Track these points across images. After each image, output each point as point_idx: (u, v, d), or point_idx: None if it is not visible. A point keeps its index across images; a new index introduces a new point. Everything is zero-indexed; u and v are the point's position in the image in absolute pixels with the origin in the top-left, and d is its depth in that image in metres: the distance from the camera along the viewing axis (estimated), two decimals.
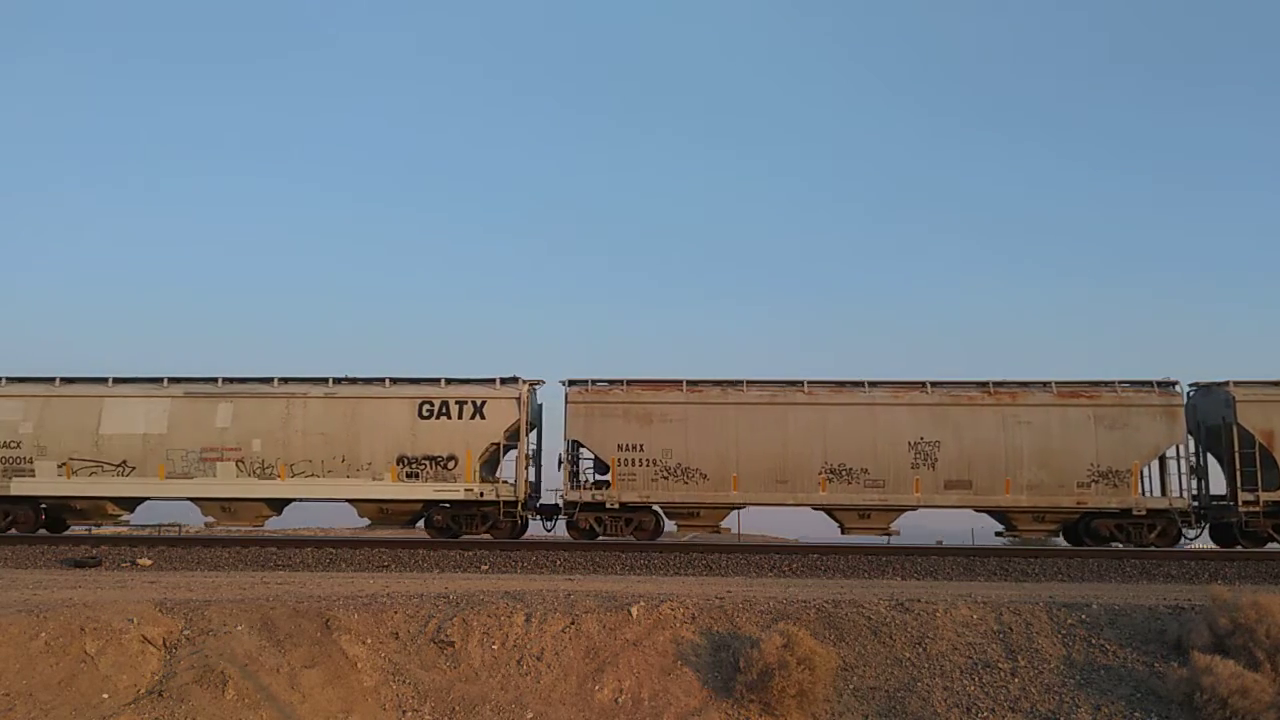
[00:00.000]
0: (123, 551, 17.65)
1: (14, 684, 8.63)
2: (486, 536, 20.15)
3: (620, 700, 9.31)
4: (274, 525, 22.07)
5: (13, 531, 20.40)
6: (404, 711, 9.09)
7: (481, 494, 20.05)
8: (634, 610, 10.21)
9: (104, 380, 20.86)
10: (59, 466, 20.34)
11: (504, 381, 20.52)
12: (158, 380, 20.83)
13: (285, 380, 20.74)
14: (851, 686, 9.48)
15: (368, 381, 20.73)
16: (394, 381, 20.62)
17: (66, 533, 21.36)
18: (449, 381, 20.55)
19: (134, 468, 20.34)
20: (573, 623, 10.02)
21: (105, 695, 8.66)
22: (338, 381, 20.70)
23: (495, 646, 9.74)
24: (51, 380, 20.88)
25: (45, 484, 20.40)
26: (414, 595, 10.87)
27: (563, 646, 9.76)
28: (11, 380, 20.98)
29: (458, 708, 9.11)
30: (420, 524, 21.21)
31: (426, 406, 20.34)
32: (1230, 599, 9.87)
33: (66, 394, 20.74)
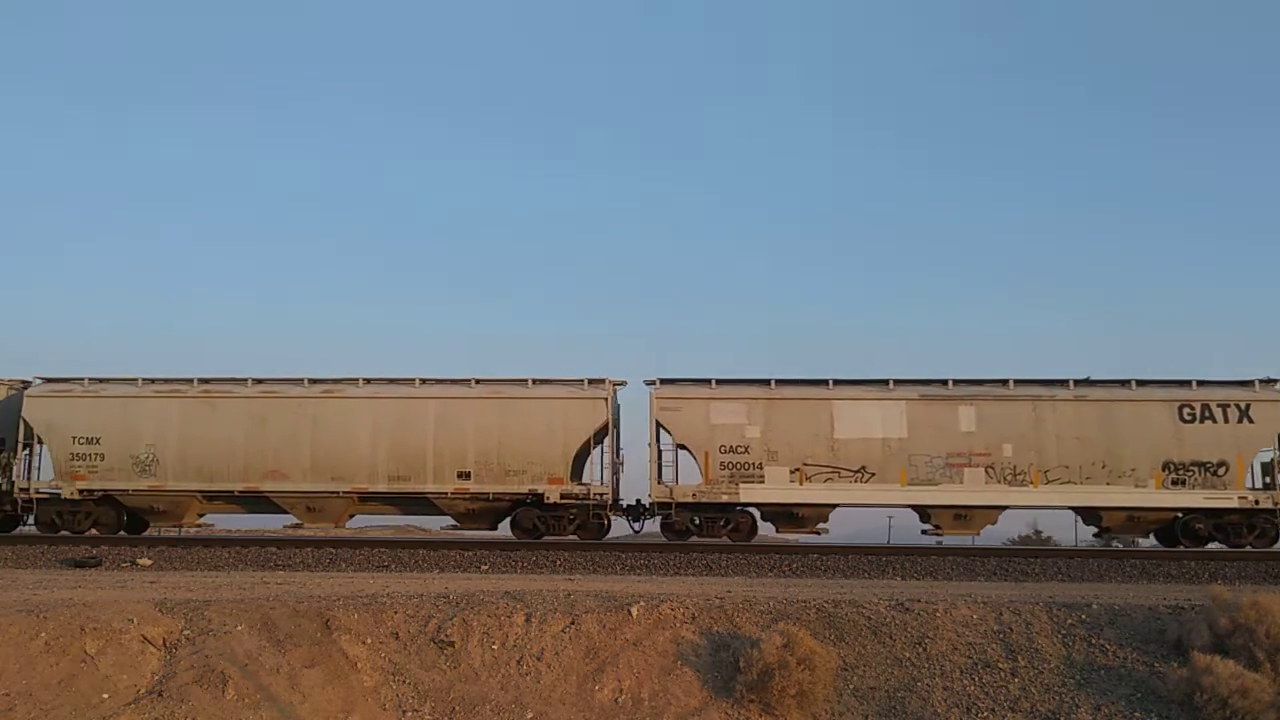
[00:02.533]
0: (123, 551, 17.65)
1: (14, 684, 8.64)
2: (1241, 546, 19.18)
3: (620, 700, 9.31)
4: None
5: (726, 539, 19.55)
6: (404, 711, 9.09)
7: (1256, 502, 19.14)
8: (634, 610, 10.22)
9: (824, 382, 20.11)
10: (791, 472, 19.49)
11: (1264, 384, 19.78)
12: (882, 382, 20.10)
13: (1021, 382, 20.01)
14: (851, 686, 9.48)
15: (1109, 384, 20.11)
16: (1141, 384, 19.95)
17: (66, 533, 21.29)
18: (1201, 384, 19.82)
19: (873, 474, 19.44)
20: (573, 623, 10.02)
21: (105, 695, 8.66)
22: (1079, 384, 19.98)
23: (495, 646, 9.74)
24: (766, 382, 20.09)
25: (775, 490, 19.50)
26: (414, 595, 10.87)
27: (563, 646, 9.76)
28: (723, 382, 20.15)
29: (458, 708, 9.11)
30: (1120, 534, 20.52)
31: (1188, 410, 19.46)
32: (1230, 599, 9.88)
33: (792, 396, 19.88)
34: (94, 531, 20.32)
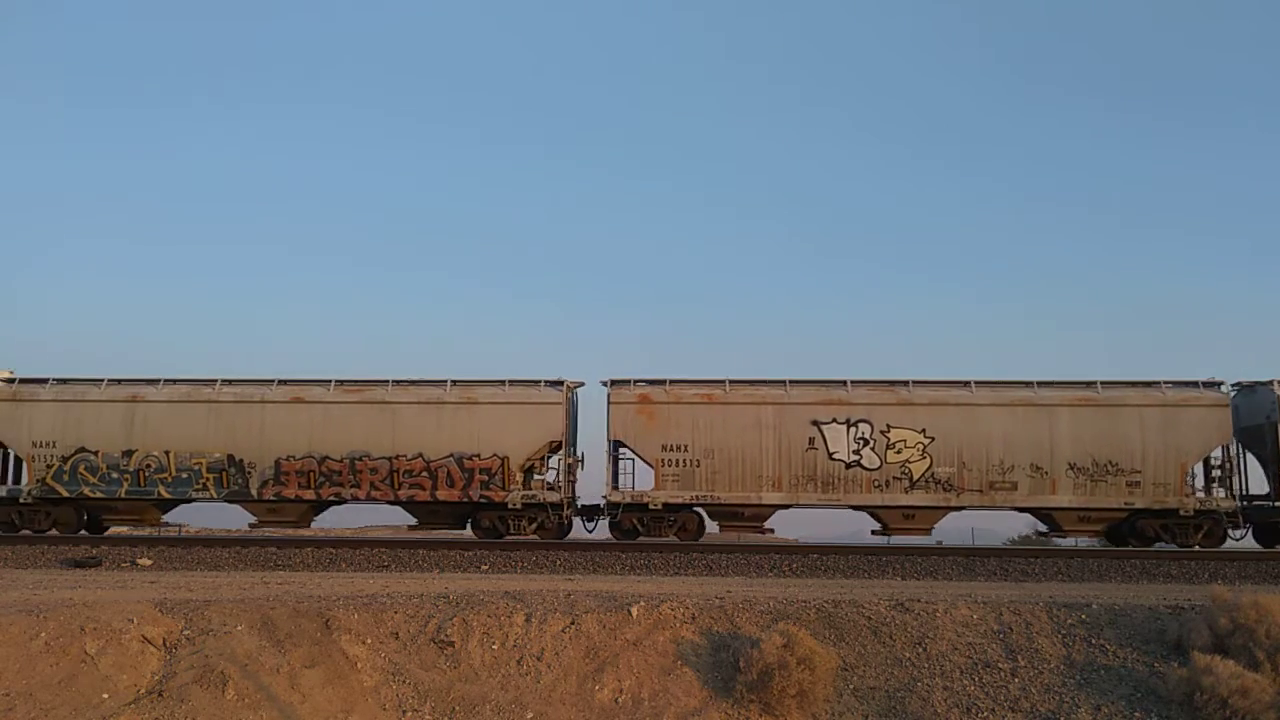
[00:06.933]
0: (123, 551, 17.64)
1: (14, 684, 8.64)
2: None
3: (620, 700, 9.31)
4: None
5: None
6: (404, 711, 9.09)
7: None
8: (634, 610, 10.22)
9: None
10: None
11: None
12: None
13: None
14: (851, 686, 9.48)
15: None
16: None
17: (48, 533, 21.25)
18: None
19: None
20: (573, 623, 10.02)
21: (105, 695, 8.66)
22: None
23: (495, 646, 9.74)
24: None
25: None
26: (414, 595, 10.87)
27: (563, 646, 9.76)
28: None
29: (458, 708, 9.11)
30: None
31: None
32: (1230, 599, 9.87)
33: None
34: None
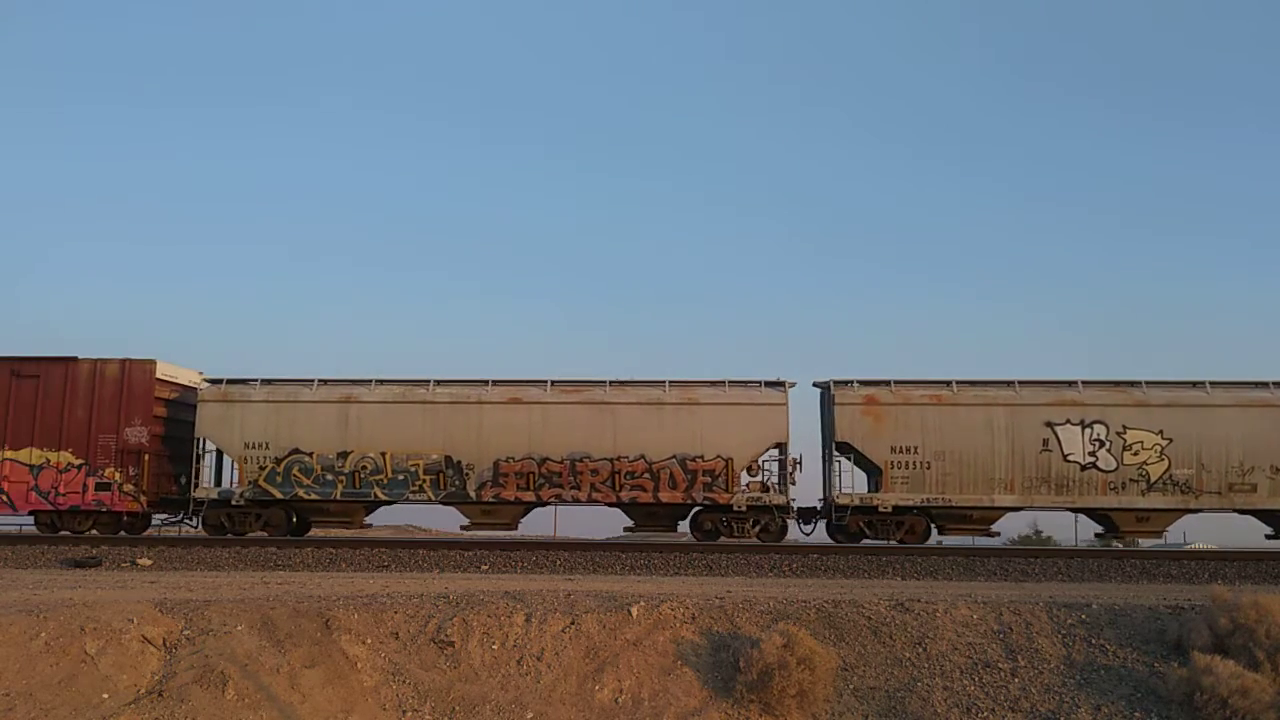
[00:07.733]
0: (123, 551, 17.65)
1: (14, 684, 8.64)
2: None
3: (620, 700, 9.31)
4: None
5: None
6: (404, 711, 9.09)
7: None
8: (634, 610, 10.22)
9: None
10: None
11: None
12: None
13: None
14: (851, 686, 9.48)
15: None
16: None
17: (62, 533, 21.24)
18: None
19: None
20: (573, 623, 10.02)
21: (105, 695, 8.66)
22: None
23: (495, 646, 9.75)
24: None
25: None
26: (414, 595, 10.87)
27: (563, 646, 9.77)
28: None
29: (458, 708, 9.11)
30: None
31: None
32: (1230, 599, 9.87)
33: None
34: None
